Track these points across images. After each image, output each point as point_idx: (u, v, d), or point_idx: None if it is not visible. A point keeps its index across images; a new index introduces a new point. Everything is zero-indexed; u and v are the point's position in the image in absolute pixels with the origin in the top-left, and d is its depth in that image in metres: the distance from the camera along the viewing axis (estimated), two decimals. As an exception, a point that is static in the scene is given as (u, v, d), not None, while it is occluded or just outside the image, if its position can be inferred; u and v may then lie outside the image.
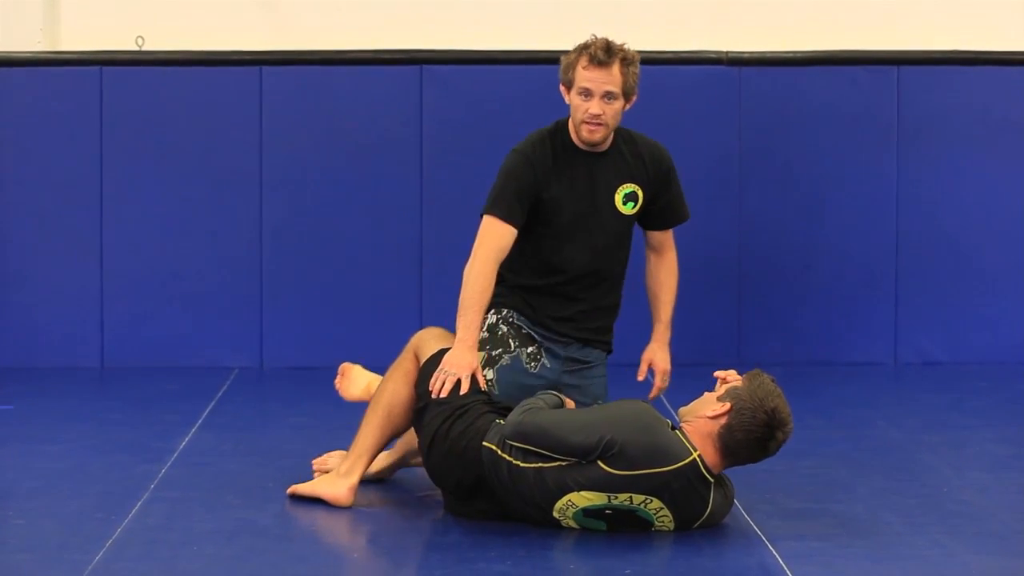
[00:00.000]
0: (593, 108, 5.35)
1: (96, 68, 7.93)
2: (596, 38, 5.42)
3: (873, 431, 6.54)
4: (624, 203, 5.50)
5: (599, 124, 5.37)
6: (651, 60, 7.91)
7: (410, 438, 5.49)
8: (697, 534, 4.93)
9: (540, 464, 4.93)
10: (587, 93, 5.35)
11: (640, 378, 5.68)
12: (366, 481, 5.43)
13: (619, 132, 5.51)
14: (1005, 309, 8.07)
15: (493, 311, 5.49)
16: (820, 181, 8.02)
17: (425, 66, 7.95)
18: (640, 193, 5.51)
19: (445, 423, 5.11)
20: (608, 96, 5.35)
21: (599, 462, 4.85)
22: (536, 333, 5.50)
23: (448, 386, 5.19)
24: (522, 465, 4.95)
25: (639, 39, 7.87)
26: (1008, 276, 8.07)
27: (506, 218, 5.37)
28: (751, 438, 4.87)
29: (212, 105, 7.96)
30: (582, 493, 4.89)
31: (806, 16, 8.21)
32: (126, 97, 7.93)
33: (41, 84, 7.93)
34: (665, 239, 5.68)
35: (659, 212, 5.61)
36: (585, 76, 5.35)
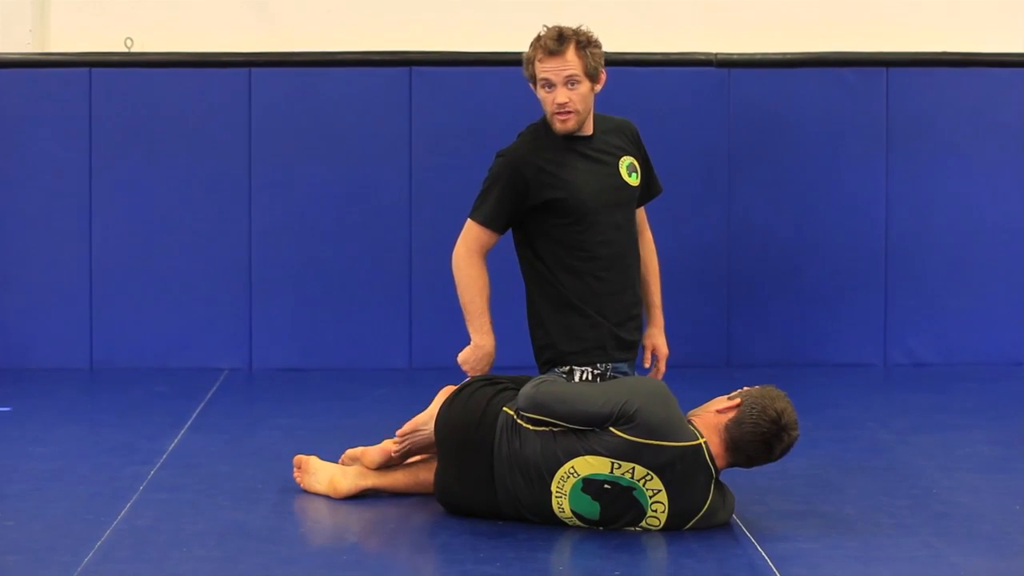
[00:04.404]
0: (559, 98, 5.29)
1: (85, 69, 7.92)
2: (547, 28, 5.34)
3: (862, 432, 6.54)
4: (629, 175, 5.47)
5: (568, 112, 5.30)
6: (640, 62, 7.94)
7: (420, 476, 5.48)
8: (687, 535, 4.94)
9: (551, 428, 4.99)
10: (549, 84, 5.30)
11: (646, 364, 5.66)
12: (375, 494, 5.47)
13: (594, 116, 5.44)
14: (994, 310, 8.08)
15: (577, 369, 5.38)
16: (809, 182, 8.02)
17: (414, 68, 7.95)
18: (636, 163, 5.50)
19: (475, 383, 5.23)
20: (570, 81, 5.28)
21: (612, 427, 4.89)
22: (622, 366, 5.44)
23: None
24: (532, 429, 5.01)
25: (628, 41, 7.92)
26: (997, 277, 8.07)
27: (487, 224, 5.37)
28: (758, 432, 4.92)
29: (201, 106, 7.95)
30: (587, 458, 4.92)
31: (795, 18, 8.22)
32: (115, 98, 7.92)
33: (30, 85, 7.92)
34: (642, 217, 5.65)
35: (643, 184, 5.55)
36: (542, 68, 5.29)
